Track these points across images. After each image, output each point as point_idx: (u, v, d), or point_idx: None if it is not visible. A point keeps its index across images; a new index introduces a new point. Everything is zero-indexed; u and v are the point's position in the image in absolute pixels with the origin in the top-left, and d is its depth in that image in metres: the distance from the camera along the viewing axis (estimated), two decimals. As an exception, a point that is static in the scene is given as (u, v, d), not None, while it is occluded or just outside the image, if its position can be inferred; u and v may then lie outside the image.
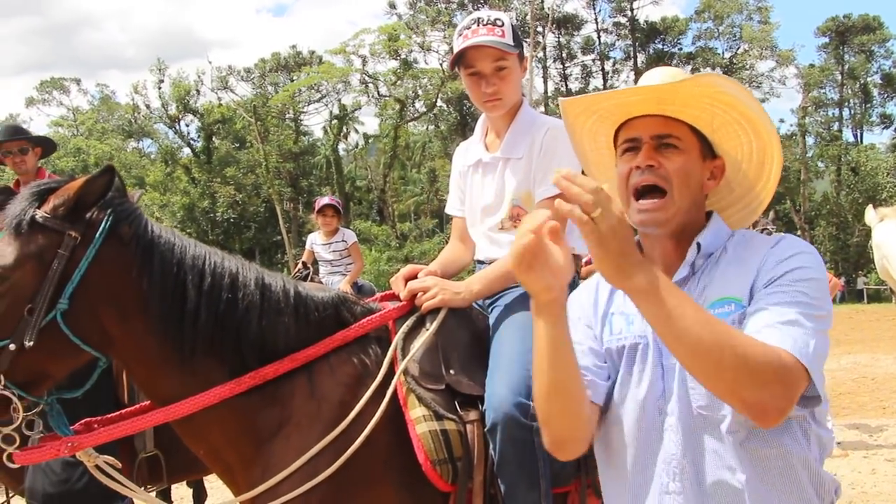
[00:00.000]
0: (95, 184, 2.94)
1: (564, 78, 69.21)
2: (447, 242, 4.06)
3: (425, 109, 64.16)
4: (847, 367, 17.36)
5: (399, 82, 61.81)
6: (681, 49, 68.63)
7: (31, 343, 2.84)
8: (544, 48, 64.82)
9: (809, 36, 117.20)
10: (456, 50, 3.51)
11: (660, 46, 68.32)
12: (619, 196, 2.32)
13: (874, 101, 72.16)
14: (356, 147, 70.95)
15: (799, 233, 58.71)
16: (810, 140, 70.49)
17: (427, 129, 69.46)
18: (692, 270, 2.32)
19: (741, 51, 66.77)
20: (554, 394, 2.20)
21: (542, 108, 61.12)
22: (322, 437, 3.03)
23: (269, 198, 65.01)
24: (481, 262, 3.72)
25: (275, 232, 66.55)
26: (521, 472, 3.10)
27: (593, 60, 69.51)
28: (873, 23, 68.37)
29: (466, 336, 3.44)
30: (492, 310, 3.55)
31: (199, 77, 67.54)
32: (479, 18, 3.52)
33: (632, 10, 66.96)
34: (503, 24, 3.49)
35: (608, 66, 69.62)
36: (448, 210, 3.98)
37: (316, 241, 10.91)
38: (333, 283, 10.16)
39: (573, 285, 3.58)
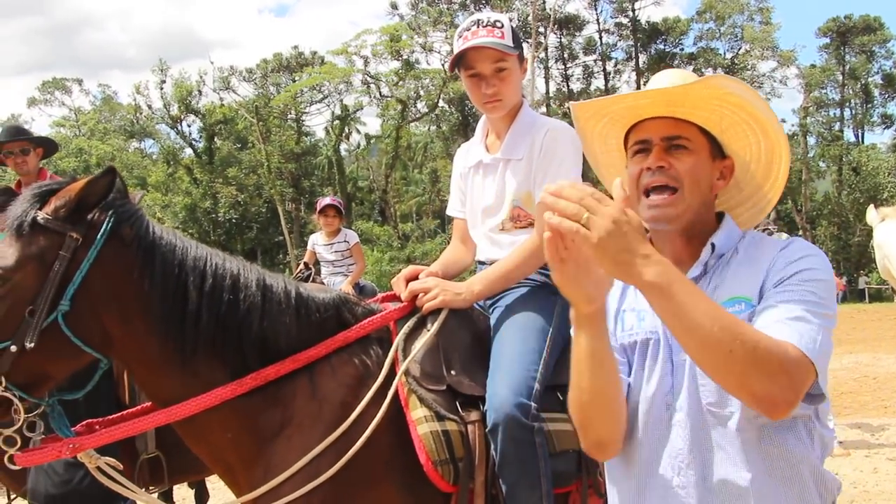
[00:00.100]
0: (97, 185, 2.95)
1: (566, 78, 69.22)
2: (449, 243, 4.07)
3: (427, 110, 64.12)
4: (849, 367, 17.35)
5: (401, 83, 61.77)
6: (682, 50, 68.66)
7: (33, 344, 2.84)
8: (546, 49, 64.80)
9: (810, 36, 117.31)
10: (456, 51, 3.52)
11: (661, 47, 68.30)
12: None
13: (875, 102, 72.17)
14: (358, 147, 70.89)
15: (800, 233, 58.70)
16: (812, 140, 70.47)
17: (429, 129, 69.45)
18: (704, 270, 2.34)
19: (742, 51, 66.76)
20: (595, 401, 2.22)
21: (543, 109, 61.13)
22: (324, 438, 3.04)
23: (270, 198, 65.01)
24: (482, 263, 3.73)
25: (277, 232, 66.55)
26: (523, 472, 3.11)
27: (595, 61, 69.51)
28: (874, 23, 68.36)
29: (467, 337, 3.45)
30: (493, 310, 3.56)
31: (201, 77, 67.58)
32: (478, 20, 3.52)
33: (633, 10, 66.96)
34: (503, 26, 3.49)
35: (610, 66, 69.64)
36: (449, 211, 3.98)
37: (318, 241, 10.90)
38: (335, 283, 10.15)
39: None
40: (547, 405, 3.26)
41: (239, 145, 69.78)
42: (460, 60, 3.52)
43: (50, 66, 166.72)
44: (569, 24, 66.89)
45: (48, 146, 6.80)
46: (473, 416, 3.19)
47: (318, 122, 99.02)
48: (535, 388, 3.19)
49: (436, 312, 3.40)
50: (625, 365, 2.40)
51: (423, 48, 61.49)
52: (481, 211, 3.70)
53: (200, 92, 67.72)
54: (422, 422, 3.10)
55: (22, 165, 6.44)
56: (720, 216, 2.44)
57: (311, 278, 9.89)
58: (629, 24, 67.60)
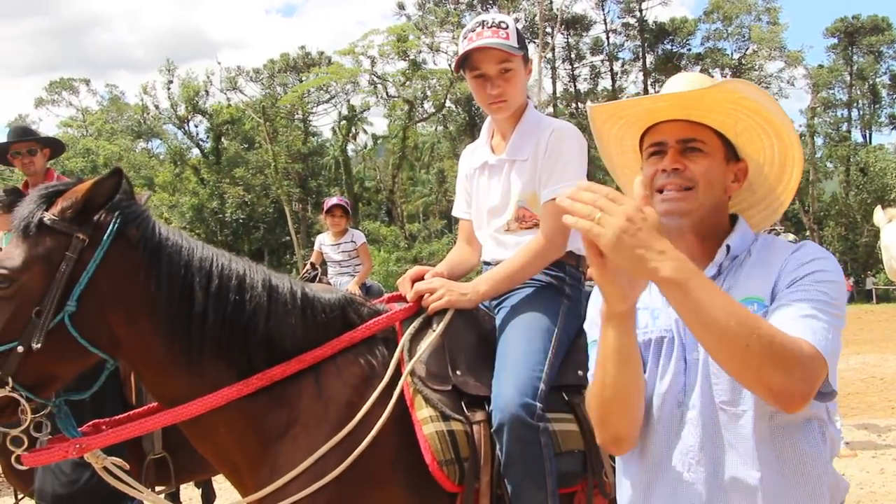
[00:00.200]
0: (103, 186, 2.95)
1: (573, 79, 69.17)
2: (456, 244, 4.07)
3: (434, 110, 64.14)
4: (856, 367, 17.33)
5: (408, 83, 61.80)
6: (689, 50, 68.56)
7: (39, 345, 2.85)
8: (553, 49, 64.75)
9: (818, 37, 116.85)
10: (461, 52, 3.52)
11: (669, 47, 68.20)
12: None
13: (883, 102, 71.97)
14: (365, 148, 70.91)
15: (808, 233, 58.63)
16: (819, 140, 70.41)
17: (436, 129, 69.45)
18: (719, 270, 2.37)
19: (750, 51, 66.63)
20: (618, 397, 2.25)
21: (550, 109, 61.08)
22: (329, 438, 3.05)
23: (277, 198, 65.07)
24: (488, 264, 3.73)
25: (283, 233, 66.61)
26: (528, 472, 3.11)
27: (602, 61, 69.40)
28: (882, 24, 68.18)
29: (473, 337, 3.45)
30: (498, 311, 3.57)
31: (208, 78, 67.64)
32: (483, 21, 3.53)
33: (640, 10, 66.87)
34: (507, 27, 3.50)
35: (617, 66, 69.53)
36: (455, 212, 3.99)
37: (324, 241, 10.92)
38: (342, 283, 10.16)
39: (579, 285, 3.60)
40: (552, 405, 3.27)
41: (246, 145, 69.81)
42: (465, 61, 3.53)
43: (57, 66, 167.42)
44: (576, 24, 66.83)
45: (55, 147, 6.83)
46: (479, 416, 3.19)
47: (325, 122, 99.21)
48: (540, 388, 3.19)
49: (441, 313, 3.40)
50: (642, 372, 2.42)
51: (430, 48, 61.49)
52: (487, 212, 3.71)
53: (207, 92, 67.88)
54: (427, 422, 3.11)
55: (29, 166, 6.47)
56: (733, 218, 2.47)
57: (317, 278, 9.90)
58: (636, 24, 67.49)
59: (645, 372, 2.39)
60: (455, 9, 61.59)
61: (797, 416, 2.21)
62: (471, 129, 58.51)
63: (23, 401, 2.90)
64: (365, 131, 69.86)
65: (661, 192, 2.35)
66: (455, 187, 4.05)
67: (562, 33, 65.63)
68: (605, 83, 69.32)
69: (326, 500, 3.00)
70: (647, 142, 2.44)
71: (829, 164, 70.71)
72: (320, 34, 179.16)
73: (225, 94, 68.14)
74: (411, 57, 60.81)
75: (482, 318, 3.57)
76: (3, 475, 6.01)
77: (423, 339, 3.32)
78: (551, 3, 62.36)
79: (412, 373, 3.21)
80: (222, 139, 68.45)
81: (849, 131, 71.56)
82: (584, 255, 3.57)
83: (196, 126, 70.26)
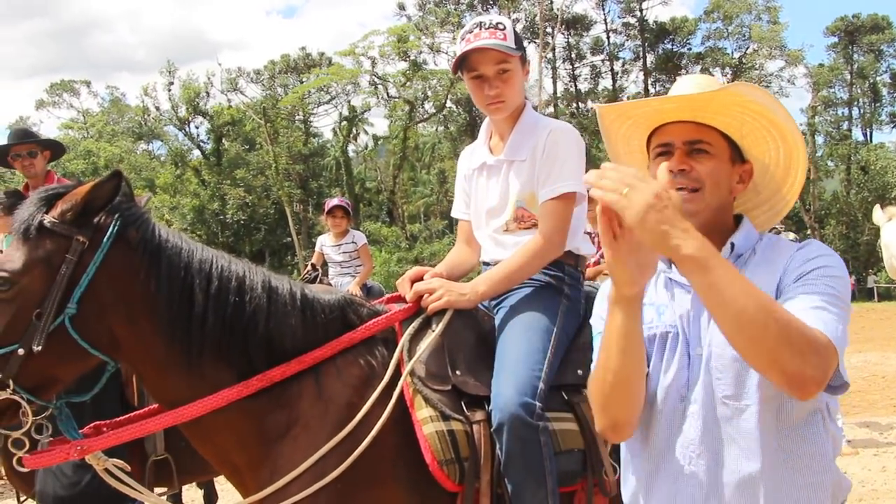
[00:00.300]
0: (103, 189, 2.96)
1: (574, 79, 69.10)
2: (455, 244, 4.08)
3: (435, 111, 64.10)
4: (858, 366, 17.27)
5: (408, 84, 61.77)
6: (690, 49, 68.45)
7: (40, 348, 2.86)
8: (553, 49, 64.73)
9: (818, 35, 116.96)
10: (458, 54, 3.54)
11: (669, 47, 68.10)
12: None
13: (883, 101, 71.85)
14: (366, 148, 70.94)
15: (809, 232, 58.58)
16: (820, 139, 70.20)
17: (436, 130, 69.44)
18: None
19: (750, 51, 66.53)
20: (620, 382, 2.29)
21: (551, 109, 61.06)
22: (330, 439, 3.06)
23: (278, 200, 65.04)
24: (487, 264, 3.74)
25: (285, 234, 66.59)
26: (528, 471, 3.12)
27: (602, 61, 69.31)
28: (882, 22, 68.05)
29: (472, 337, 3.46)
30: (497, 311, 3.58)
31: (208, 79, 67.59)
32: (480, 22, 3.54)
33: (641, 10, 66.82)
34: (505, 28, 3.51)
35: (617, 66, 69.46)
36: (454, 213, 4.00)
37: (325, 242, 10.92)
38: (343, 284, 10.16)
39: (578, 284, 3.62)
40: (552, 405, 3.28)
41: (247, 147, 69.81)
42: (463, 62, 3.54)
43: (58, 68, 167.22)
44: (576, 24, 66.77)
45: (55, 149, 6.84)
46: (479, 415, 3.20)
47: (325, 123, 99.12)
48: (539, 387, 3.20)
49: (441, 313, 3.41)
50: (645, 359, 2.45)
51: (430, 49, 61.44)
52: (485, 212, 3.72)
53: (208, 93, 67.83)
54: (427, 422, 3.12)
55: (29, 168, 6.49)
56: (738, 219, 2.50)
57: (318, 279, 9.90)
58: (637, 23, 67.42)
59: (649, 366, 2.42)
60: (455, 9, 61.56)
61: (800, 412, 2.24)
62: (471, 130, 58.46)
63: (24, 403, 2.91)
64: (366, 132, 69.97)
65: None
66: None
67: (562, 33, 65.60)
68: (606, 83, 69.36)
69: (327, 501, 3.01)
70: (655, 142, 2.47)
71: (829, 163, 70.60)
72: (321, 35, 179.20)
73: (226, 95, 68.21)
74: (412, 57, 60.78)
75: (481, 318, 3.58)
76: (5, 477, 6.02)
77: (422, 339, 3.32)
78: (551, 3, 62.38)
79: (412, 373, 3.22)
80: (223, 140, 68.43)
81: (849, 130, 71.49)
82: (582, 254, 3.59)
83: (197, 127, 70.37)
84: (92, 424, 3.20)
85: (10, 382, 2.87)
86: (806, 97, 71.72)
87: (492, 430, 3.16)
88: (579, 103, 67.74)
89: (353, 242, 10.76)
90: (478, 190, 3.78)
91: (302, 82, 65.85)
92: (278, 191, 63.63)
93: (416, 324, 3.38)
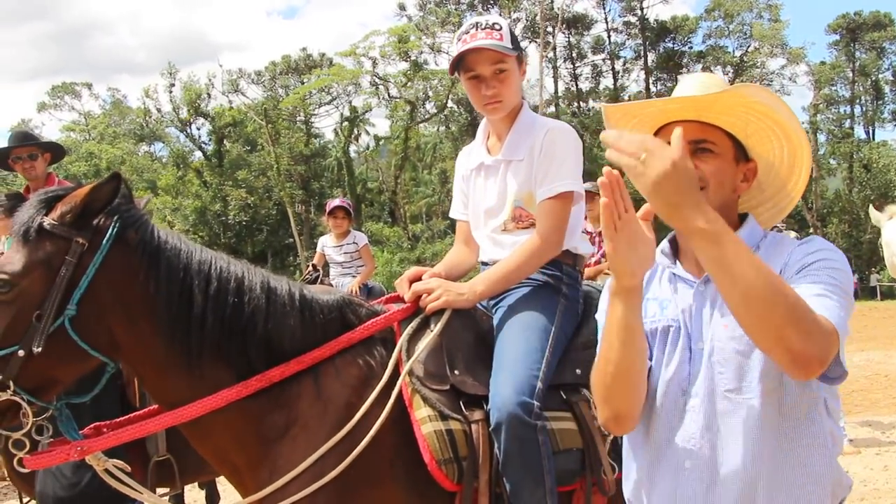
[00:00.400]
0: (102, 191, 2.98)
1: (575, 78, 69.03)
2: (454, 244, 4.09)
3: (436, 111, 64.05)
4: (860, 364, 17.25)
5: (409, 84, 61.74)
6: (691, 48, 68.36)
7: (40, 349, 2.88)
8: (554, 48, 64.69)
9: (820, 33, 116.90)
10: (455, 54, 3.55)
11: (670, 45, 68.02)
12: None
13: (886, 98, 71.74)
14: (367, 149, 70.77)
15: (811, 230, 58.47)
16: (822, 137, 70.06)
17: (438, 130, 69.33)
18: None
19: (752, 49, 66.45)
20: (622, 373, 2.32)
21: (552, 109, 61.04)
22: (329, 439, 3.07)
23: (280, 200, 65.01)
24: (485, 264, 3.75)
25: (287, 234, 66.52)
26: (526, 470, 3.13)
27: (603, 60, 69.24)
28: (884, 19, 67.94)
29: (471, 336, 3.47)
30: (496, 310, 3.58)
31: (209, 80, 67.53)
32: (477, 23, 3.56)
33: (641, 9, 66.77)
34: (501, 28, 3.52)
35: (619, 65, 69.40)
36: (452, 214, 4.00)
37: (327, 243, 10.93)
38: (344, 285, 10.16)
39: (576, 284, 3.62)
40: (550, 404, 3.29)
41: (248, 148, 69.75)
42: (460, 63, 3.56)
43: (60, 70, 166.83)
44: (577, 23, 66.71)
45: (56, 151, 6.86)
46: (477, 415, 3.21)
47: (327, 123, 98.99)
48: (537, 386, 3.21)
49: (439, 313, 3.42)
50: (648, 350, 2.48)
51: (431, 49, 61.39)
52: (483, 212, 3.73)
53: (209, 95, 67.74)
54: (426, 421, 3.13)
55: (30, 171, 6.51)
56: (743, 217, 2.51)
57: (319, 280, 9.91)
58: (637, 22, 67.35)
59: (651, 360, 2.45)
60: (456, 9, 61.49)
61: (800, 406, 2.26)
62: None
63: (24, 404, 2.92)
64: (367, 132, 69.77)
65: None
66: (457, 188, 4.07)
67: (563, 32, 65.55)
68: (607, 82, 69.28)
69: (326, 500, 3.02)
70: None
71: (832, 161, 70.52)
72: (322, 36, 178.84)
73: (227, 96, 68.13)
74: (413, 58, 60.75)
75: (480, 318, 3.59)
76: (7, 478, 6.03)
77: (421, 339, 3.34)
78: (552, 2, 62.30)
79: (410, 373, 3.23)
80: (224, 142, 68.43)
81: (851, 128, 71.40)
82: (580, 254, 3.60)
83: (198, 129, 70.27)
84: (92, 425, 3.21)
85: (11, 384, 2.89)
86: (808, 95, 71.76)
87: (490, 429, 3.17)
88: (580, 103, 67.71)
89: (354, 243, 10.76)
90: (476, 190, 3.79)
91: (303, 83, 65.81)
92: (280, 192, 63.62)
93: (414, 324, 3.39)
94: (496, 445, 3.16)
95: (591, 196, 6.75)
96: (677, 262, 2.51)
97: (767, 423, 2.25)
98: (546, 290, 3.54)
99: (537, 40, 60.72)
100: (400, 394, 3.19)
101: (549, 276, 3.56)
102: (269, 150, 63.43)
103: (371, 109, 66.19)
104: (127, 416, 3.30)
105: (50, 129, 75.56)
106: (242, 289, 3.15)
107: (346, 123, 65.55)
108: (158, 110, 70.12)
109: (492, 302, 3.63)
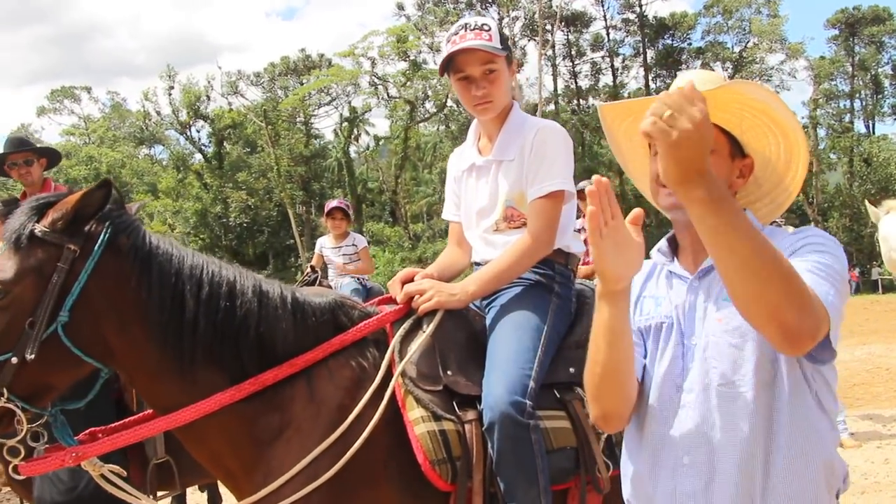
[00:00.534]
0: (93, 197, 2.98)
1: (574, 76, 69.02)
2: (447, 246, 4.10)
3: (435, 110, 64.14)
4: (861, 358, 17.27)
5: (408, 83, 61.78)
6: (690, 44, 68.38)
7: (33, 356, 2.88)
8: (553, 46, 64.68)
9: (819, 28, 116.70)
10: (444, 56, 3.55)
11: (669, 42, 68.05)
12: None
13: (886, 92, 71.75)
14: (367, 149, 70.77)
15: (812, 225, 58.42)
16: (822, 132, 70.09)
17: (438, 129, 69.34)
18: None
19: (751, 45, 66.47)
20: (609, 374, 2.35)
21: (552, 106, 61.03)
22: (322, 441, 3.07)
23: (281, 202, 65.07)
24: (478, 264, 3.75)
25: (288, 236, 66.56)
26: (520, 469, 3.14)
27: (603, 57, 69.24)
28: (883, 14, 67.94)
29: (463, 337, 3.48)
30: (488, 310, 3.59)
31: (209, 82, 67.65)
32: (466, 24, 3.56)
33: (640, 6, 66.75)
34: (490, 29, 3.53)
35: (618, 62, 69.41)
36: (444, 215, 4.01)
37: (325, 244, 10.92)
38: (343, 285, 10.17)
39: (568, 282, 3.63)
40: (543, 403, 3.29)
41: (248, 149, 69.82)
42: (450, 64, 3.56)
43: (59, 74, 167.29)
44: (575, 20, 66.72)
45: (51, 156, 6.86)
46: (470, 415, 3.22)
47: (326, 124, 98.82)
48: (529, 386, 3.21)
49: (431, 314, 3.42)
50: (641, 347, 2.51)
51: (429, 48, 61.38)
52: (476, 213, 3.73)
53: (209, 97, 67.86)
54: (419, 422, 3.14)
55: (26, 176, 6.51)
56: None
57: (317, 281, 9.90)
58: (636, 19, 67.36)
59: (645, 357, 2.48)
60: (454, 8, 61.53)
61: (793, 398, 2.25)
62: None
63: (18, 411, 2.93)
64: (367, 132, 69.77)
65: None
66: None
67: (562, 30, 65.55)
68: (607, 79, 69.30)
69: (320, 502, 3.02)
70: None
71: (832, 156, 70.43)
72: (320, 37, 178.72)
73: (226, 98, 68.25)
74: (411, 57, 60.81)
75: (472, 318, 3.60)
76: (7, 484, 6.04)
77: (413, 340, 3.34)
78: (550, 0, 62.31)
79: (403, 374, 3.24)
80: (224, 144, 68.45)
81: (851, 122, 71.41)
82: (573, 252, 3.61)
83: (198, 131, 70.41)
84: (87, 431, 3.22)
85: (5, 391, 2.90)
86: (807, 90, 71.72)
87: (483, 429, 3.18)
88: (580, 100, 67.69)
89: (353, 245, 10.74)
90: (468, 191, 3.79)
91: (302, 84, 65.88)
92: (280, 193, 63.67)
93: (406, 325, 3.39)
94: (489, 445, 3.16)
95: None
96: (675, 259, 2.52)
97: (761, 416, 2.26)
98: (538, 289, 3.55)
99: (536, 38, 60.72)
100: (393, 395, 3.19)
101: (541, 275, 3.57)
102: (269, 151, 63.51)
103: (370, 109, 66.33)
104: (122, 421, 3.30)
105: (50, 133, 75.85)
106: (234, 293, 3.15)
107: (345, 124, 65.58)
108: (158, 113, 70.29)
109: (484, 302, 3.63)
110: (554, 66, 66.36)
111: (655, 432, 2.42)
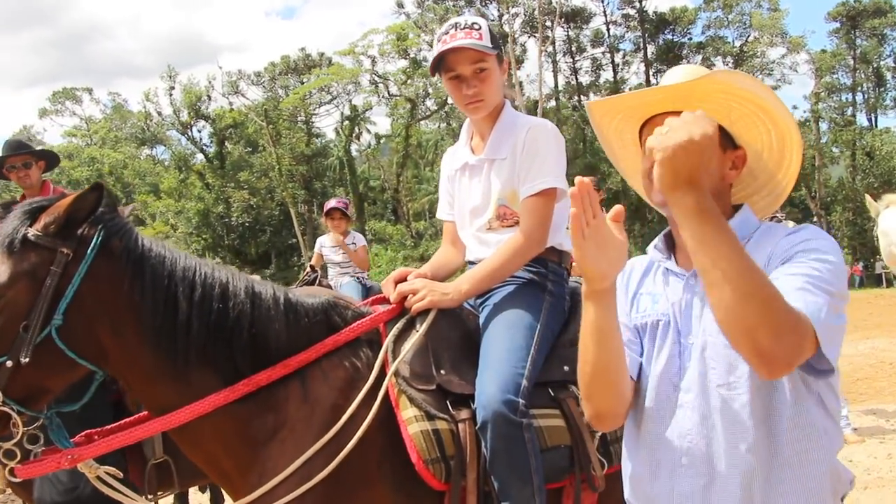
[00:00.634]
0: (85, 200, 3.00)
1: (574, 72, 69.02)
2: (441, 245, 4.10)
3: (436, 108, 64.12)
4: (865, 353, 17.22)
5: (409, 81, 61.80)
6: (691, 39, 68.40)
7: (28, 359, 2.89)
8: (553, 42, 64.67)
9: (820, 21, 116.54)
10: (434, 55, 3.56)
11: (669, 37, 68.02)
12: (643, 188, 2.52)
13: (888, 85, 71.49)
14: (368, 147, 70.84)
15: (815, 219, 58.43)
16: (824, 126, 69.87)
17: (439, 127, 69.33)
18: None
19: (751, 39, 66.41)
20: (599, 373, 2.35)
21: (552, 103, 61.01)
22: (316, 441, 3.08)
23: (283, 201, 65.06)
24: (471, 263, 3.76)
25: (290, 235, 66.54)
26: (513, 468, 3.14)
27: (603, 53, 69.26)
28: (885, 6, 67.68)
29: (456, 336, 3.48)
30: (482, 309, 3.59)
31: (209, 82, 67.71)
32: (456, 23, 3.57)
33: (640, 1, 66.71)
34: (480, 28, 3.53)
35: (618, 58, 69.42)
36: (438, 215, 4.01)
37: (325, 243, 10.92)
38: (342, 284, 10.19)
39: (561, 280, 3.63)
40: (537, 401, 3.30)
41: (249, 149, 69.84)
42: (440, 63, 3.56)
43: (60, 76, 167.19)
44: (575, 17, 66.71)
45: (50, 159, 6.87)
46: (464, 414, 3.22)
47: (327, 123, 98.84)
48: (522, 384, 3.21)
49: (425, 313, 3.43)
50: (637, 345, 2.51)
51: (429, 46, 61.26)
52: (469, 212, 3.74)
53: (210, 97, 67.90)
54: (412, 421, 3.14)
55: (24, 179, 6.52)
56: (737, 208, 2.50)
57: (317, 281, 9.91)
58: (636, 15, 67.35)
59: (642, 356, 2.47)
60: (454, 6, 61.52)
61: (792, 401, 2.23)
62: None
63: (14, 414, 2.94)
64: (368, 131, 69.84)
65: None
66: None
67: (562, 26, 65.55)
68: (607, 75, 69.34)
69: (314, 502, 3.03)
70: (645, 134, 2.48)
71: (834, 149, 70.31)
72: (320, 36, 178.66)
73: (227, 98, 68.28)
74: (412, 55, 60.83)
75: (466, 317, 3.60)
76: (9, 487, 6.05)
77: (406, 339, 3.35)
78: (550, -4, 62.30)
79: (396, 373, 3.25)
80: (226, 143, 68.52)
81: (854, 115, 71.18)
82: (566, 250, 3.61)
83: (199, 131, 70.50)
84: (84, 433, 3.23)
85: (0, 394, 2.91)
86: (809, 84, 71.66)
87: (476, 428, 3.18)
88: (581, 96, 67.64)
89: (352, 244, 10.75)
90: (461, 190, 3.80)
91: (302, 83, 65.89)
92: (282, 192, 63.68)
93: (400, 325, 3.40)
94: (483, 444, 3.16)
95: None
96: (672, 257, 2.52)
97: (758, 418, 2.23)
98: (531, 288, 3.55)
99: (536, 35, 60.69)
100: (386, 395, 3.20)
101: (534, 273, 3.57)
102: (271, 150, 63.53)
103: (371, 108, 66.43)
104: (118, 423, 3.32)
105: (52, 134, 76.14)
106: (227, 294, 3.16)
107: (346, 122, 65.61)
108: (159, 113, 70.36)
109: (478, 300, 3.63)
110: (554, 62, 66.35)
111: (652, 431, 2.41)
